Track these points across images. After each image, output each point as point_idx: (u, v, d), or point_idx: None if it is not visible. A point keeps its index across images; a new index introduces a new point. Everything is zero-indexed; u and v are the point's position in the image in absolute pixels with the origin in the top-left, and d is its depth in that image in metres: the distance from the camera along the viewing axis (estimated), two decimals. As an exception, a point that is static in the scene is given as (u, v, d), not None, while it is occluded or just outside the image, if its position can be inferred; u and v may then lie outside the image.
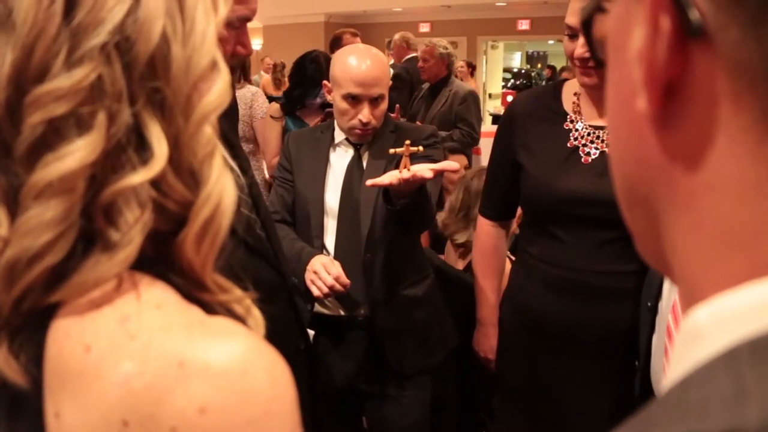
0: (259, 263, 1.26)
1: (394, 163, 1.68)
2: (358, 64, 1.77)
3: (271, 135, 3.28)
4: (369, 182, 1.58)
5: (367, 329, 1.88)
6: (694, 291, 0.29)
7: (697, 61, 0.27)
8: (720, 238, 0.28)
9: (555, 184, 1.59)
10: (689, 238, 0.30)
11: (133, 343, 0.46)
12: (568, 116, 1.66)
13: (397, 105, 3.57)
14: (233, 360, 0.46)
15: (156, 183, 0.49)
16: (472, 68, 7.96)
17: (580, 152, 1.61)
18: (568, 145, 1.63)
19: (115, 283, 0.48)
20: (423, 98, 4.72)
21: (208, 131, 0.52)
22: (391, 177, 1.52)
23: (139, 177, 0.48)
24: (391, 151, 1.65)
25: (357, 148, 1.87)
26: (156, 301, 0.49)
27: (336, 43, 3.82)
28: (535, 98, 1.75)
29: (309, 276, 1.72)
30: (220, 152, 0.53)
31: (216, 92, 0.52)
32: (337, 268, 1.71)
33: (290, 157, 1.91)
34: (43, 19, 0.46)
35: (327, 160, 1.88)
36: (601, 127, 1.61)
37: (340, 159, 1.88)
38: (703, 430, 0.23)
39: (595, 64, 1.53)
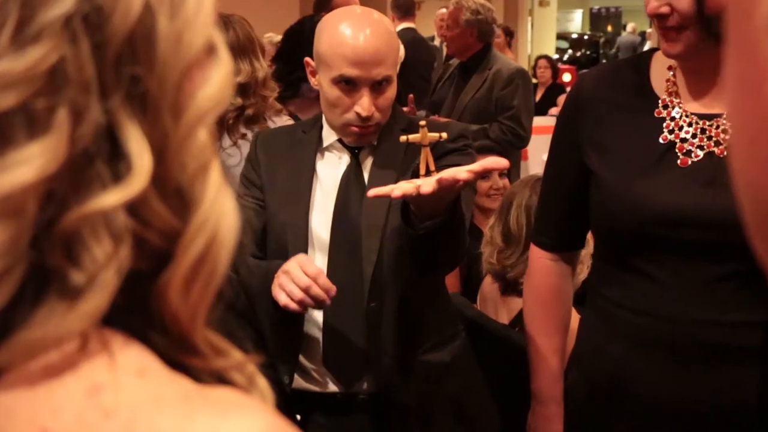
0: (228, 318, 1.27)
1: (410, 172, 1.68)
2: (353, 35, 1.78)
3: None
4: (372, 192, 1.58)
5: (373, 412, 1.89)
6: None
7: None
8: None
9: (642, 198, 1.60)
10: None
11: (111, 422, 0.47)
12: (660, 100, 1.66)
13: (411, 95, 3.53)
14: None
15: (133, 206, 0.51)
16: (510, 37, 7.98)
17: (677, 150, 1.61)
18: (661, 140, 1.63)
19: (78, 342, 0.50)
20: (450, 80, 4.69)
21: (203, 137, 0.54)
22: (406, 186, 1.50)
23: (112, 198, 0.50)
24: (403, 138, 1.66)
25: (355, 153, 1.89)
26: (137, 365, 0.51)
27: (324, 3, 3.82)
28: (612, 76, 1.76)
29: (278, 281, 1.70)
30: (217, 165, 0.55)
31: (215, 84, 0.54)
32: (317, 268, 1.70)
33: (259, 166, 1.93)
34: None
35: (312, 170, 1.90)
36: (709, 117, 1.61)
37: (331, 169, 1.89)
38: None
39: (677, 23, 1.53)
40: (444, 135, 1.64)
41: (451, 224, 1.64)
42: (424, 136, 1.62)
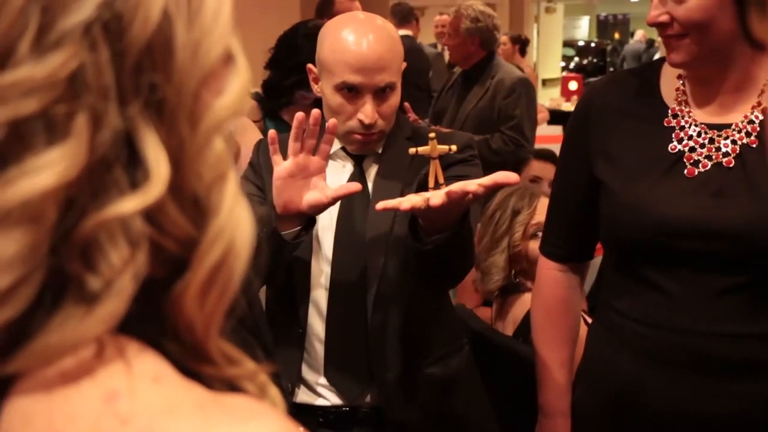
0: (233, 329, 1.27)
1: (416, 183, 1.69)
2: (356, 41, 1.78)
3: (247, 142, 3.20)
4: (380, 205, 1.58)
5: (376, 425, 1.89)
6: None
7: None
8: None
9: (649, 208, 1.60)
10: None
11: (128, 429, 0.48)
12: (670, 109, 1.67)
13: (407, 103, 3.46)
14: None
15: (150, 213, 0.52)
16: (520, 44, 7.96)
17: (685, 160, 1.61)
18: (669, 149, 1.63)
19: (95, 348, 0.50)
20: (453, 89, 4.68)
21: (219, 146, 0.55)
22: (415, 199, 1.52)
23: (130, 204, 0.51)
24: (412, 150, 1.66)
25: (359, 161, 1.89)
26: (152, 372, 0.51)
27: (326, 8, 3.82)
28: (621, 85, 1.76)
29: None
30: (234, 175, 0.57)
31: (232, 93, 0.55)
32: None
33: (261, 172, 1.92)
34: None
35: None
36: (719, 127, 1.61)
37: (334, 177, 1.89)
38: None
39: (677, 32, 1.54)
40: (454, 147, 1.64)
41: (460, 239, 1.64)
42: (433, 148, 1.62)
